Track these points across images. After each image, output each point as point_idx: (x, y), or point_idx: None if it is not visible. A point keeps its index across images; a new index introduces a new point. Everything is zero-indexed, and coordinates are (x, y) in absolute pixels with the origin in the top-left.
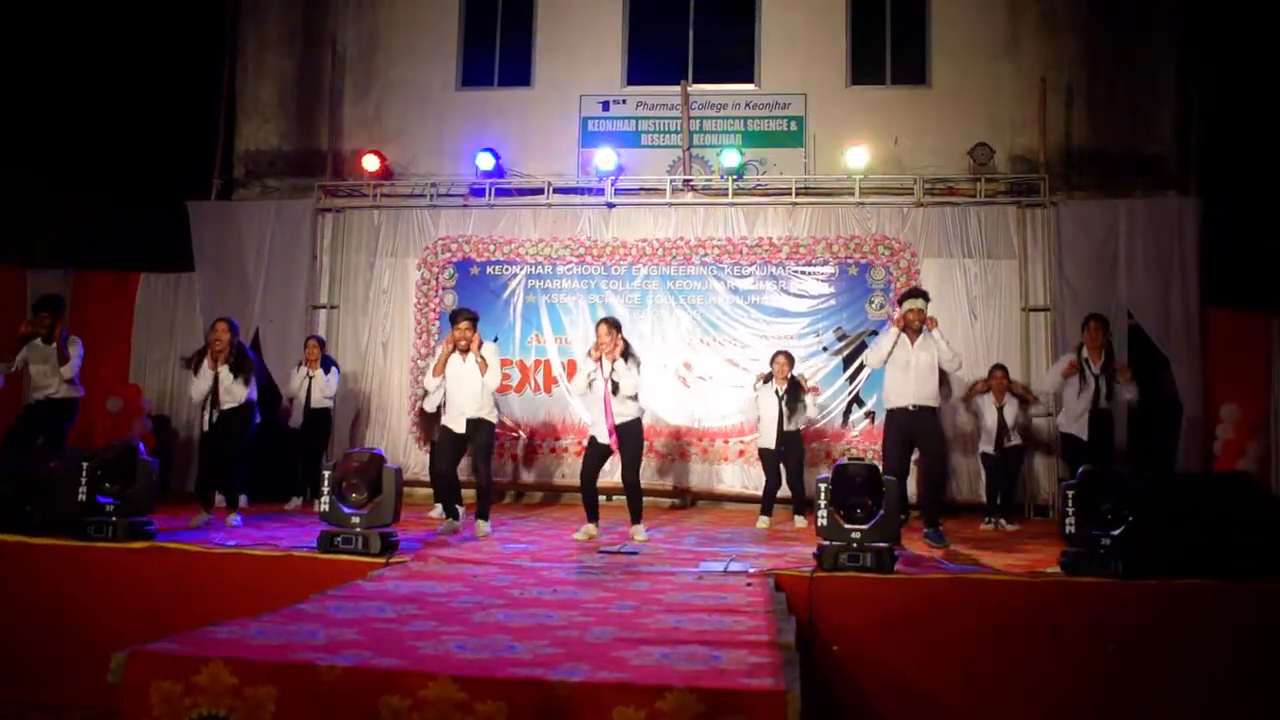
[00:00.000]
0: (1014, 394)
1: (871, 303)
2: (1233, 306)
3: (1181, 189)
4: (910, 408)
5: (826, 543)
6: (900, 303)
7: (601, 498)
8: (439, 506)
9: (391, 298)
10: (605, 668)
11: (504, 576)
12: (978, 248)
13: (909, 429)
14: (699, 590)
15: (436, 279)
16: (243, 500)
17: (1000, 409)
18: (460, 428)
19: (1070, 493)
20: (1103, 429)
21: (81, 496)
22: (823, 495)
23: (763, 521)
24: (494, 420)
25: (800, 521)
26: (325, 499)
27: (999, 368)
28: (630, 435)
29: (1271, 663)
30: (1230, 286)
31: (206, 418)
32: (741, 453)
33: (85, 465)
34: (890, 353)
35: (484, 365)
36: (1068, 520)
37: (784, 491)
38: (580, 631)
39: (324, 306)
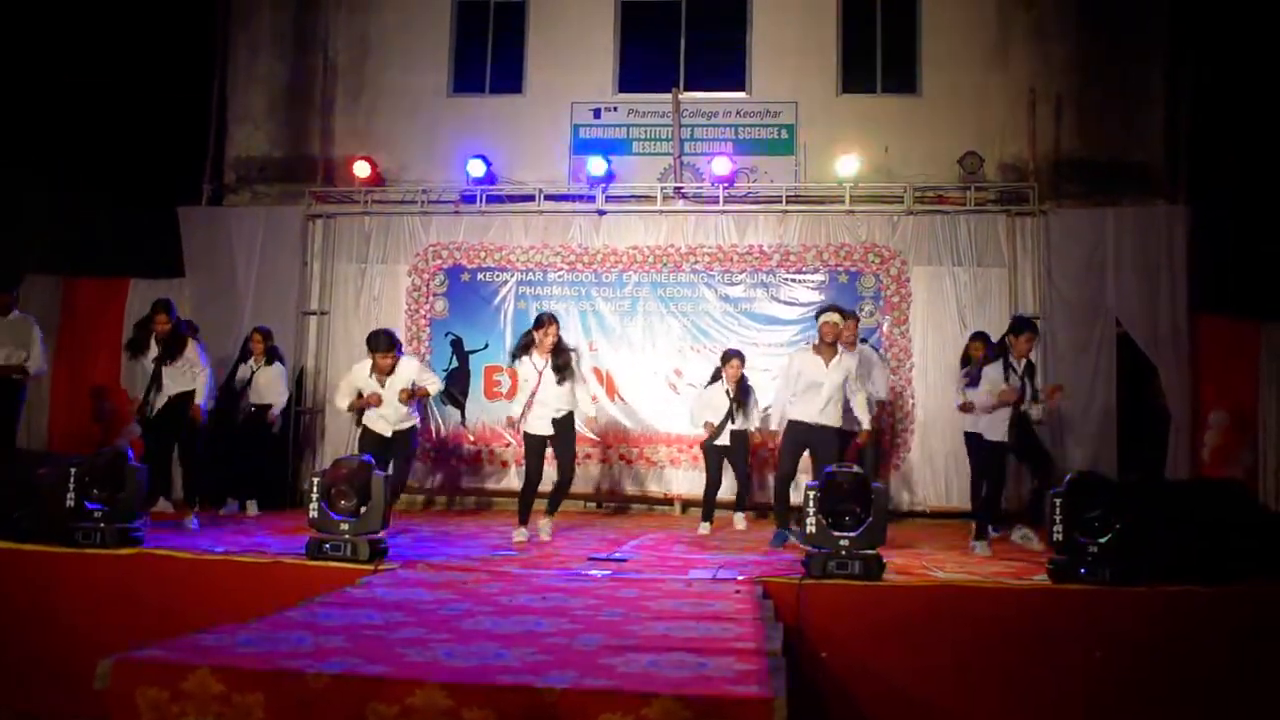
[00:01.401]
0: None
1: (861, 310)
2: (1221, 314)
3: (1170, 197)
4: (811, 424)
5: (814, 550)
6: (817, 317)
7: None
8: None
9: (382, 304)
10: (593, 675)
11: (493, 584)
12: (967, 256)
13: (805, 440)
14: (687, 597)
15: (427, 286)
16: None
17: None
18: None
19: (1058, 500)
20: (1024, 431)
21: (70, 503)
22: (811, 502)
23: (704, 527)
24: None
25: (740, 522)
26: (314, 505)
27: (979, 335)
28: (566, 429)
29: (1260, 668)
30: (1219, 294)
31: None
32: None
33: (73, 471)
34: (798, 370)
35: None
36: (1055, 527)
37: (724, 494)
38: (568, 639)
39: (314, 313)
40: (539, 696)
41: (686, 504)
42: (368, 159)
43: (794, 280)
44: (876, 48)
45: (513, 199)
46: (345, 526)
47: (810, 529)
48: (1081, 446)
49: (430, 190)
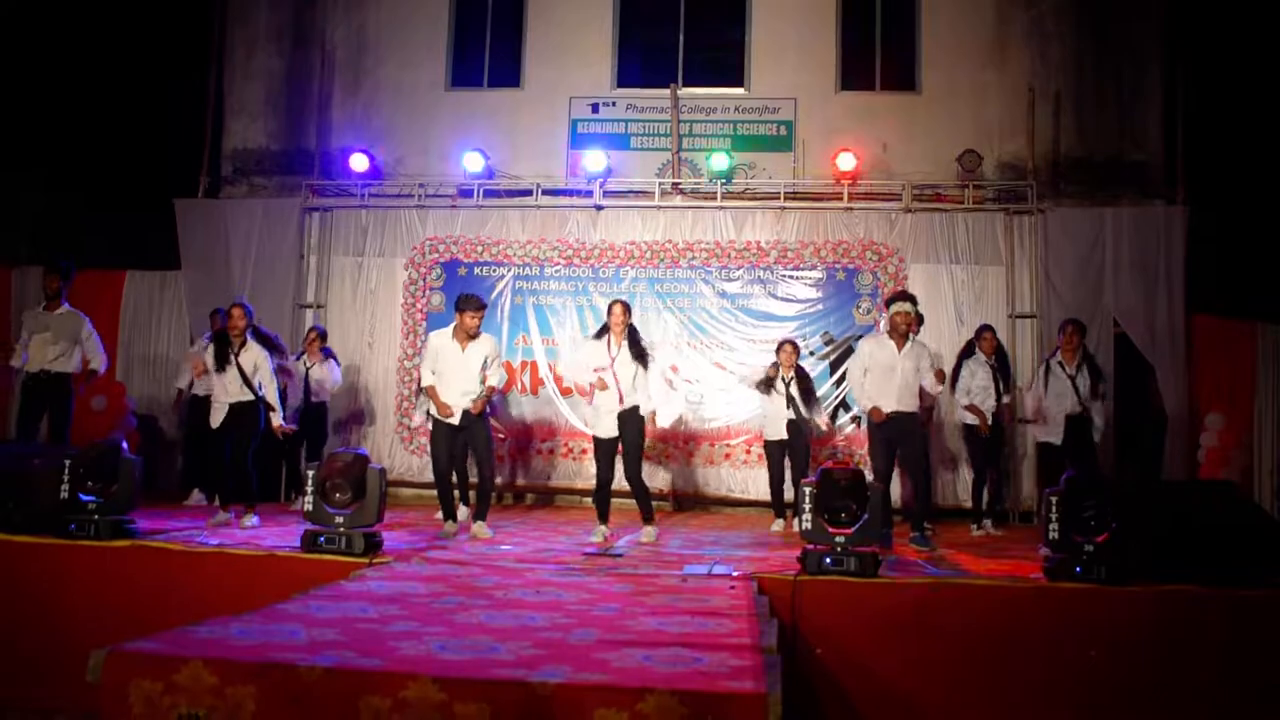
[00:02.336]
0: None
1: (859, 308)
2: (1218, 314)
3: (1168, 197)
4: (890, 414)
5: (810, 546)
6: (888, 306)
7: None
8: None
9: (379, 298)
10: (587, 669)
11: (487, 577)
12: (965, 254)
13: (892, 434)
14: (682, 593)
15: (424, 279)
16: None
17: (992, 366)
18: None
19: (1054, 499)
20: (1078, 432)
21: (64, 494)
22: (807, 499)
23: (778, 525)
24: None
25: (779, 525)
26: (309, 498)
27: (987, 328)
28: (632, 422)
29: (1254, 669)
30: (1216, 294)
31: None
32: (727, 456)
33: (68, 463)
34: (870, 357)
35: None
36: (1051, 526)
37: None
38: (563, 633)
39: (310, 306)
40: (533, 690)
41: (681, 499)
42: (365, 152)
43: (791, 277)
44: (875, 45)
45: (510, 193)
46: (340, 520)
47: (806, 525)
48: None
49: (427, 184)
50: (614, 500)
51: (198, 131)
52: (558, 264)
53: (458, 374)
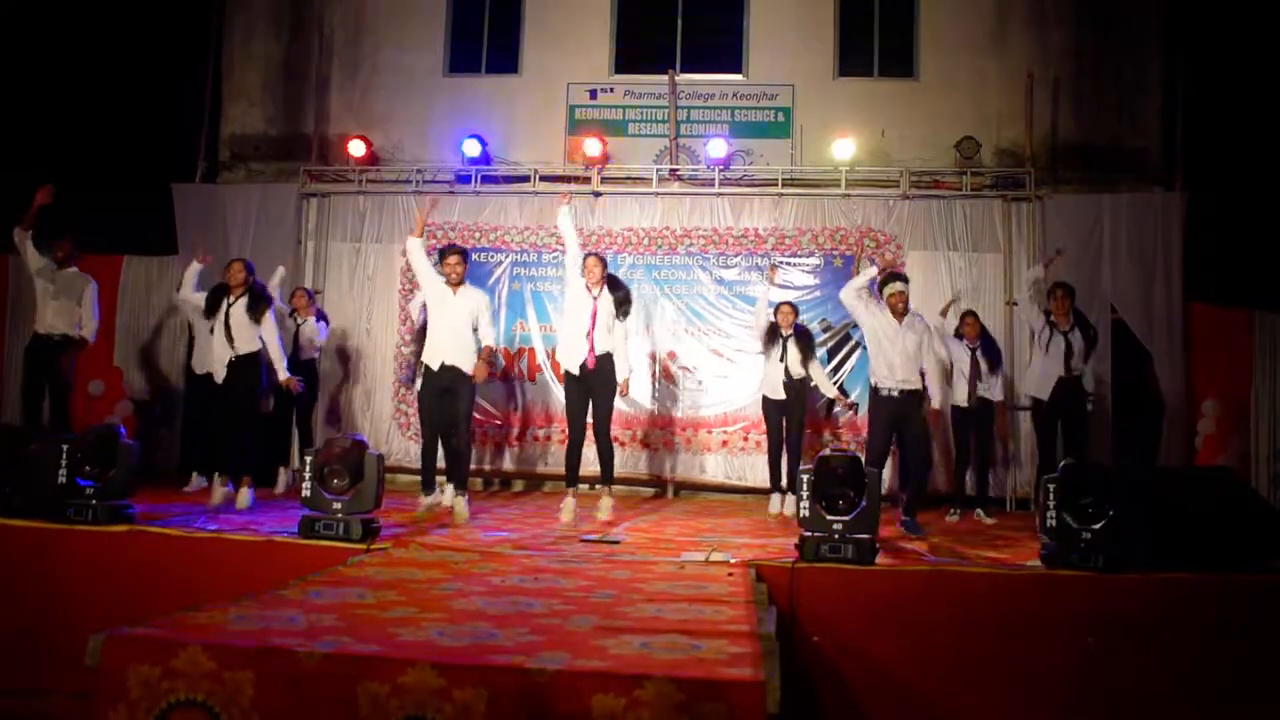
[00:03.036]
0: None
1: None
2: (1216, 302)
3: (1166, 184)
4: (895, 394)
5: (808, 533)
6: (881, 289)
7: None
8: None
9: (376, 283)
10: (585, 656)
11: (485, 564)
12: (963, 241)
13: (894, 415)
14: (680, 579)
15: None
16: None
17: (974, 350)
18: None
19: (1051, 486)
20: (1068, 394)
21: (61, 479)
22: (805, 486)
23: (775, 503)
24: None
25: (775, 504)
26: (307, 484)
27: (969, 314)
28: (604, 379)
29: (1252, 655)
30: (1213, 282)
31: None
32: (725, 443)
33: (65, 448)
34: (868, 310)
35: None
36: (1048, 513)
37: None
38: (561, 619)
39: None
40: (531, 677)
41: (679, 486)
42: (363, 138)
43: (789, 263)
44: (874, 31)
45: (508, 179)
46: (338, 505)
47: (804, 512)
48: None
49: (425, 170)
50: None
51: (195, 116)
52: (556, 250)
53: (445, 318)
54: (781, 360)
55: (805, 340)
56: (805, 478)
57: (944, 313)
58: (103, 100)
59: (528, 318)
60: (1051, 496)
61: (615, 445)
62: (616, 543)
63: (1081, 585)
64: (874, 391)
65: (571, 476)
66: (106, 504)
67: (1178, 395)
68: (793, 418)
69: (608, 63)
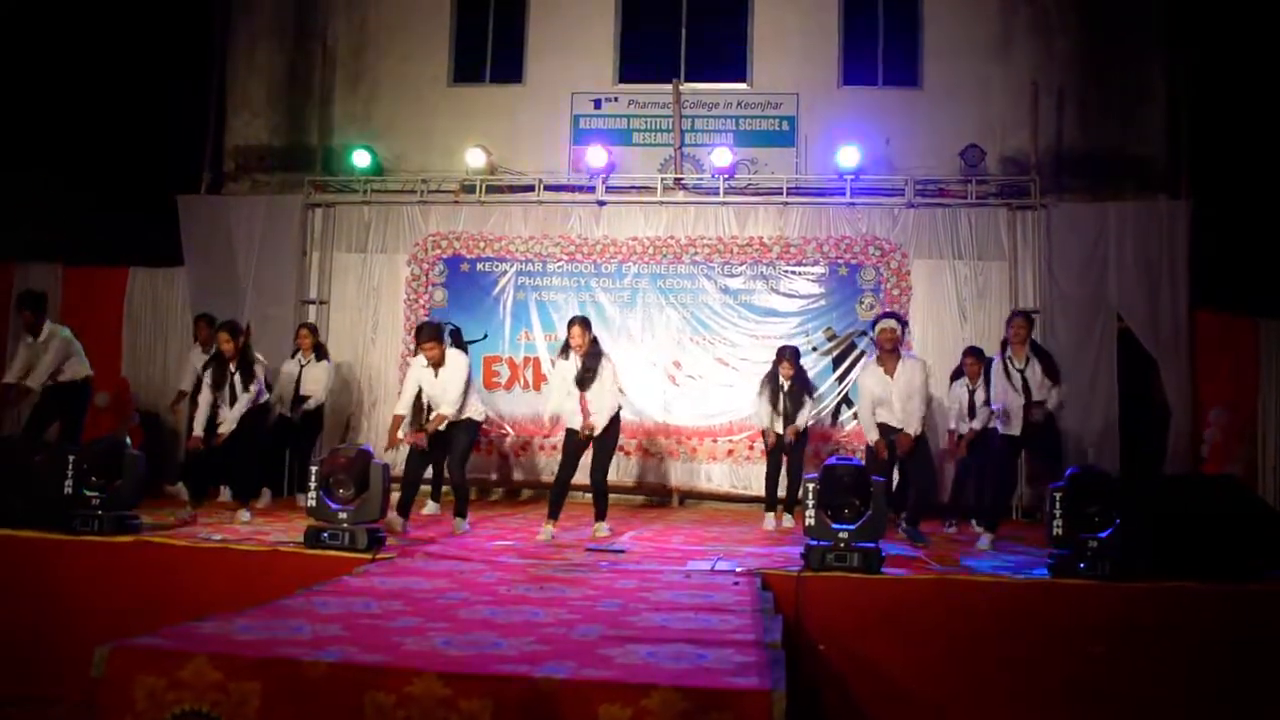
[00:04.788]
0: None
1: (862, 303)
2: (1221, 310)
3: (1171, 192)
4: (896, 426)
5: (813, 542)
6: (873, 326)
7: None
8: (431, 503)
9: (381, 294)
10: (591, 665)
11: (491, 573)
12: (968, 249)
13: (893, 442)
14: (686, 589)
15: (426, 275)
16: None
17: (972, 392)
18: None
19: (1057, 495)
20: (1034, 425)
21: (67, 490)
22: (810, 495)
23: (769, 520)
24: (479, 419)
25: (769, 522)
26: (312, 494)
27: (973, 353)
28: (604, 431)
29: (1259, 664)
30: (1219, 290)
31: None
32: (730, 452)
33: (71, 458)
34: (868, 388)
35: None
36: (1055, 522)
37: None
38: (566, 629)
39: (313, 302)
40: (537, 686)
41: (684, 495)
42: (367, 148)
43: (794, 272)
44: (878, 40)
45: (512, 189)
46: (343, 515)
47: (809, 521)
48: (1083, 441)
49: (430, 180)
50: (612, 497)
51: (200, 128)
52: (560, 260)
53: (434, 399)
54: (778, 412)
55: (802, 390)
56: (810, 486)
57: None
58: (106, 113)
59: (532, 327)
60: (1058, 505)
61: (620, 454)
62: (622, 552)
63: (1088, 594)
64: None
65: (554, 510)
66: (112, 514)
67: (1184, 403)
68: (795, 453)
69: (612, 72)
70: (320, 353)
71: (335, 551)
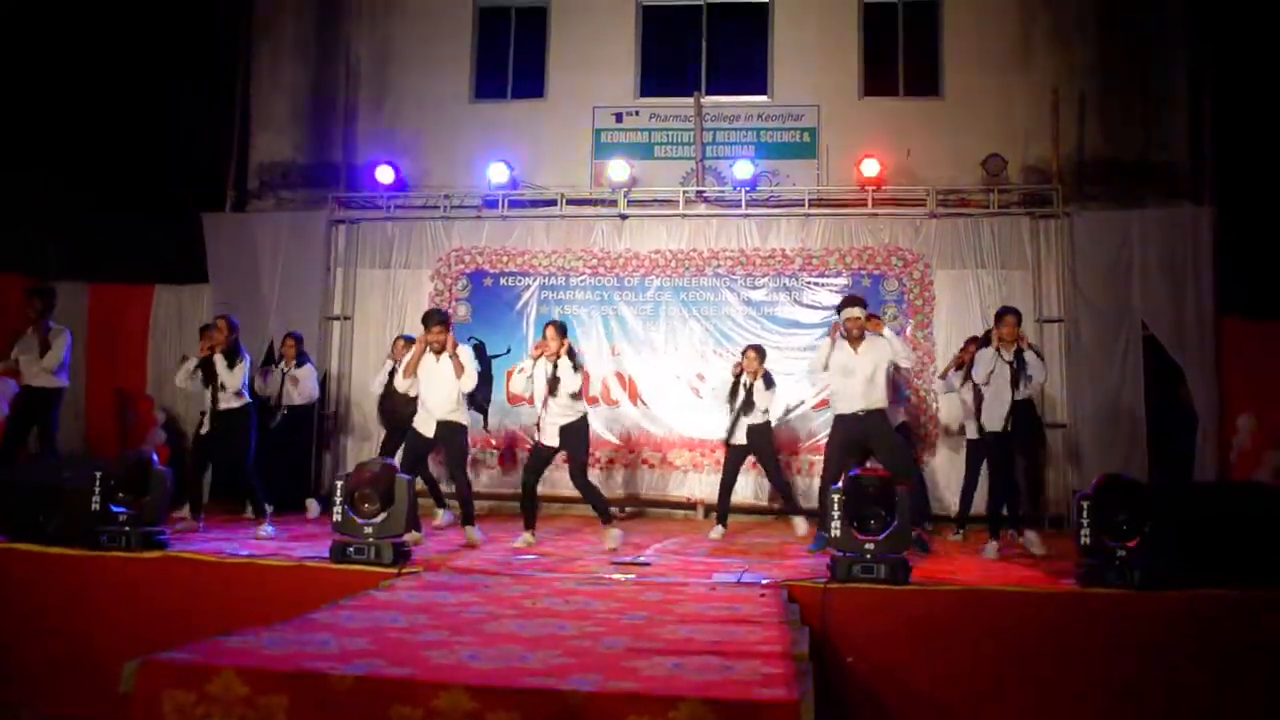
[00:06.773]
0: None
1: (885, 314)
2: (1248, 316)
3: (1195, 198)
4: (859, 413)
5: (840, 554)
6: (838, 311)
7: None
8: (443, 513)
9: (405, 309)
10: (618, 678)
11: (516, 587)
12: (991, 259)
13: (858, 434)
14: (712, 601)
15: (450, 290)
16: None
17: (977, 386)
18: (429, 431)
19: (1085, 504)
20: (1022, 420)
21: (95, 506)
22: (837, 506)
23: (717, 531)
24: (466, 423)
25: (801, 526)
26: (338, 509)
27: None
28: (575, 436)
29: None
30: (1245, 296)
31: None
32: (754, 464)
33: (99, 475)
34: (829, 357)
35: (459, 368)
36: (1083, 532)
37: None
38: (593, 642)
39: (338, 318)
40: (564, 699)
41: (709, 508)
42: (391, 164)
43: (817, 284)
44: (898, 50)
45: (535, 204)
46: (369, 530)
47: (835, 532)
48: (1110, 449)
49: (453, 195)
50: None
51: (224, 146)
52: (583, 273)
53: (432, 385)
54: (746, 413)
55: (767, 387)
56: (837, 497)
57: (944, 375)
58: (132, 132)
59: None
60: (1086, 514)
61: (645, 467)
62: (647, 564)
63: (1117, 604)
64: (837, 418)
65: (529, 520)
66: (140, 530)
67: (1211, 410)
68: (763, 456)
69: (633, 86)
70: (302, 359)
71: (361, 566)
